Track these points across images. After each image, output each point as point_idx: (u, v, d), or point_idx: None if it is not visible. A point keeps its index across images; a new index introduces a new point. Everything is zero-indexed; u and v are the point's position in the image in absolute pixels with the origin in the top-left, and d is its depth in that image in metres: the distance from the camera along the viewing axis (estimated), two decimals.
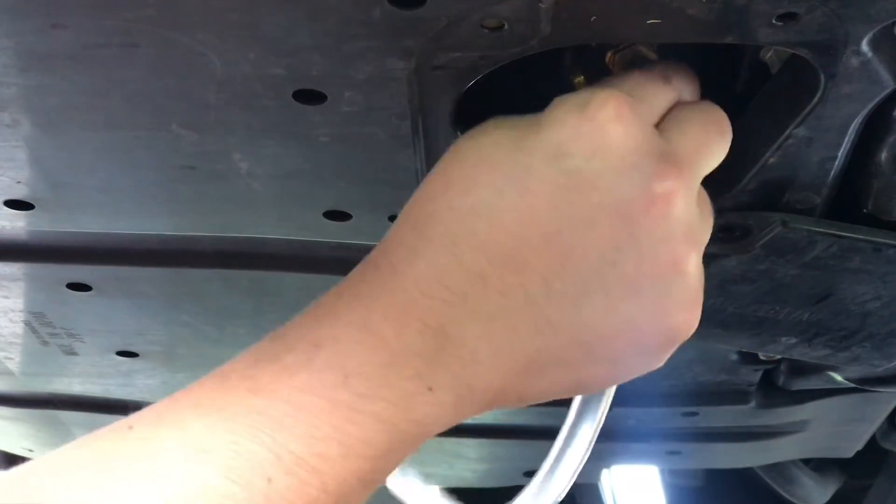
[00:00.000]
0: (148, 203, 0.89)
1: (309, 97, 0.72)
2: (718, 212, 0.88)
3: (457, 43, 0.68)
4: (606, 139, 0.67)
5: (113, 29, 0.67)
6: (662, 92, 0.74)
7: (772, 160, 0.83)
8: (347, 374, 0.59)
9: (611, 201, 0.66)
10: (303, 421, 0.57)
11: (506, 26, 0.68)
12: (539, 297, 0.65)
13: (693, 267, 0.72)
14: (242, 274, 1.00)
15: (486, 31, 0.68)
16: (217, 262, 1.00)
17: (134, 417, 0.59)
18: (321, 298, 0.64)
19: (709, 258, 0.92)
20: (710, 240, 0.89)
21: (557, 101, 0.69)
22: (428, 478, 1.59)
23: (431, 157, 0.75)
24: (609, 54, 0.80)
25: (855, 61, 0.73)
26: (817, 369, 1.18)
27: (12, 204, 0.89)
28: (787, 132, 0.81)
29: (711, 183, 0.87)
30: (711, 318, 1.02)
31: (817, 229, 0.89)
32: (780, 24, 0.69)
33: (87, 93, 0.74)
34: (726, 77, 0.89)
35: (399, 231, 0.66)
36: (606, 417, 1.31)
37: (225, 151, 0.79)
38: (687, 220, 0.70)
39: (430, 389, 0.62)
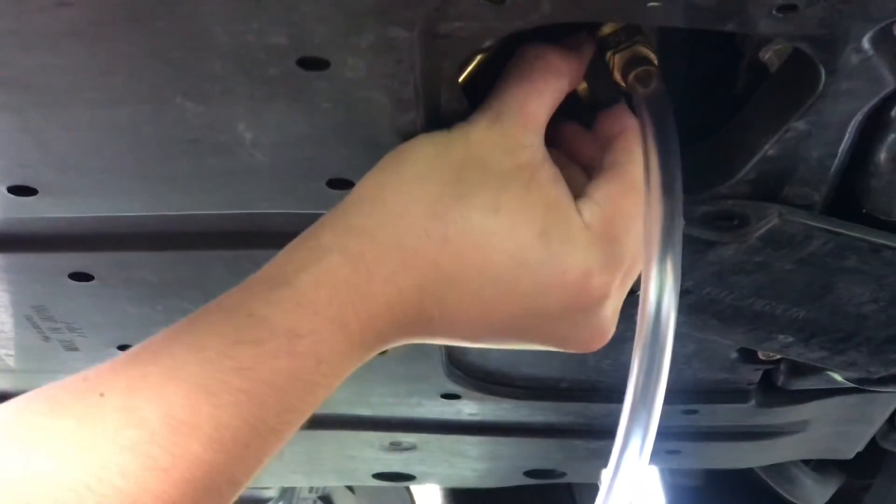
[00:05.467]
0: (151, 181, 0.89)
1: (312, 64, 0.73)
2: (718, 199, 0.89)
3: (459, 13, 0.69)
4: None
5: (118, 4, 0.68)
6: None
7: (771, 152, 0.84)
8: (320, 361, 0.69)
9: None
10: (280, 399, 0.68)
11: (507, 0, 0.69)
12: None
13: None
14: (245, 254, 1.00)
15: (488, 3, 0.69)
16: (219, 243, 1.00)
17: (97, 381, 0.66)
18: (297, 273, 0.71)
19: (707, 245, 0.93)
20: (709, 227, 0.91)
21: None
22: (428, 477, 1.58)
23: (432, 123, 0.77)
24: (609, 54, 0.80)
25: (855, 58, 0.74)
26: (817, 369, 1.19)
27: (15, 190, 0.89)
28: (787, 125, 0.81)
29: (712, 171, 0.89)
30: (709, 308, 1.03)
31: (814, 224, 0.90)
32: (780, 15, 0.70)
33: (91, 69, 0.75)
34: (726, 77, 0.90)
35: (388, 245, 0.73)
36: (606, 415, 1.30)
37: (229, 121, 0.80)
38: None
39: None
